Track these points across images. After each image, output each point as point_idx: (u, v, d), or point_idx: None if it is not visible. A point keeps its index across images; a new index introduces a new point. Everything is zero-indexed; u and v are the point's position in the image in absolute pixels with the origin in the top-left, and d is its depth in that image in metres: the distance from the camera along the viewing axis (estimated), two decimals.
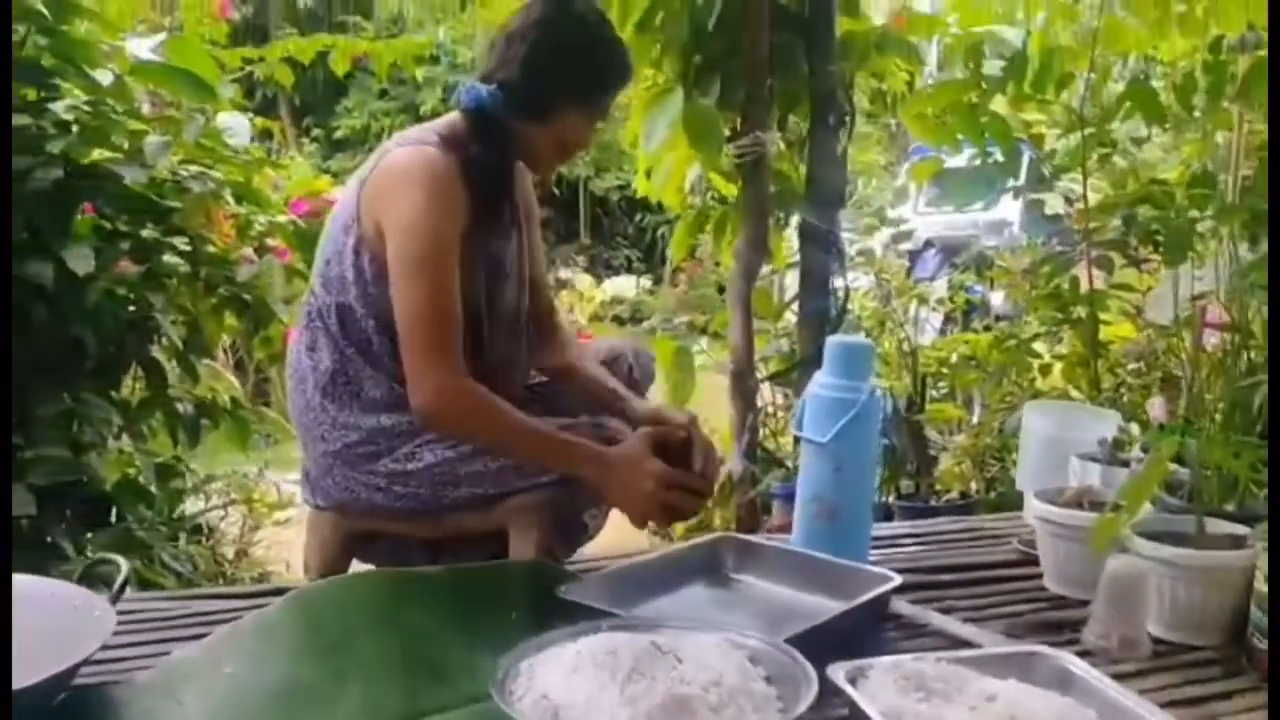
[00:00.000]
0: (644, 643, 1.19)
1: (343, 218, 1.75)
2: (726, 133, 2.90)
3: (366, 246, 1.71)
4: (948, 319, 4.42)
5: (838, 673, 1.24)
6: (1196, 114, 2.87)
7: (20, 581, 1.33)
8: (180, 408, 2.50)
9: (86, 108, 2.24)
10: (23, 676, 1.13)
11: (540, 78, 1.73)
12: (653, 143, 2.86)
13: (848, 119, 3.03)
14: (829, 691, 1.22)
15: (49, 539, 2.10)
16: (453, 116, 1.79)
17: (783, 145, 3.19)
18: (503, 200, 1.82)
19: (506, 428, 1.67)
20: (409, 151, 1.72)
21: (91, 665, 1.29)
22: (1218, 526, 1.59)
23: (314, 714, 1.23)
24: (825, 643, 1.33)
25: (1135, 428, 1.94)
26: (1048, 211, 4.10)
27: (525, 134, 1.76)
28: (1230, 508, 1.69)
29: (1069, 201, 3.73)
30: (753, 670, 1.20)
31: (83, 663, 1.21)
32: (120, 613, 1.35)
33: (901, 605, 1.62)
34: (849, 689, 1.22)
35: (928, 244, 5.85)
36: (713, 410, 2.84)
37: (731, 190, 3.11)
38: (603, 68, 1.79)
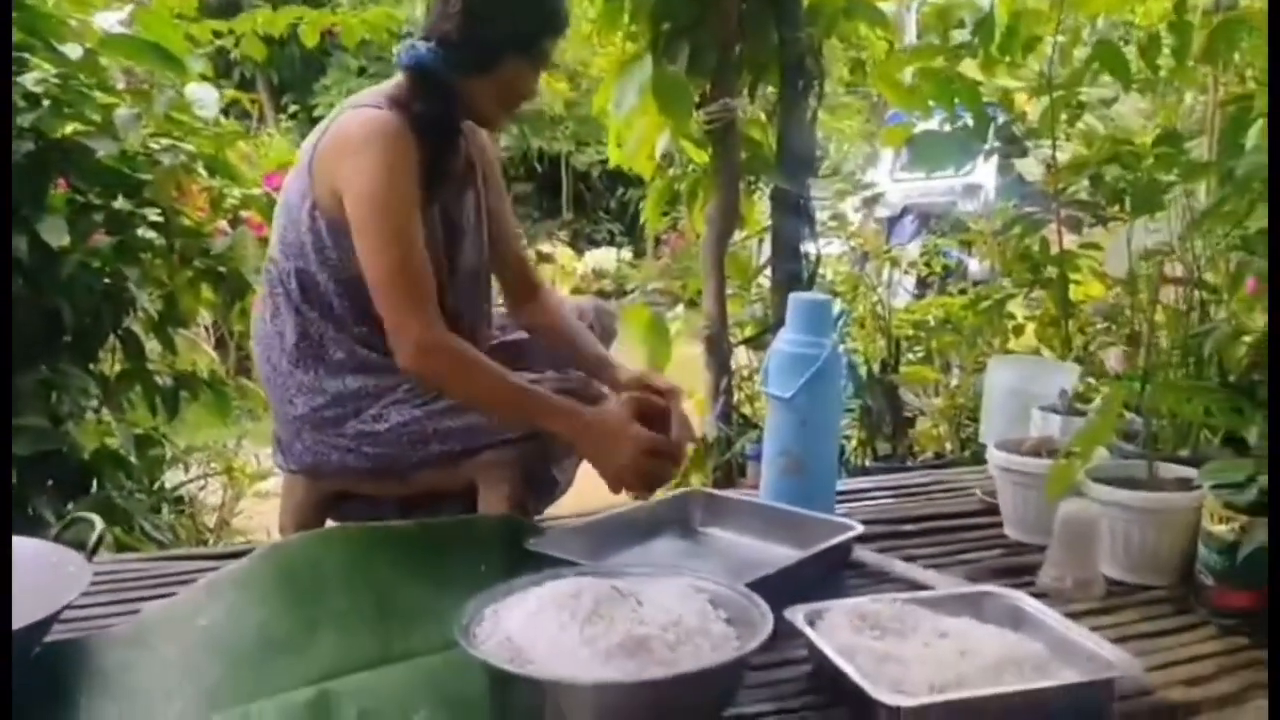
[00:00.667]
0: (605, 587, 1.21)
1: (297, 184, 1.76)
2: (696, 99, 2.92)
3: (322, 211, 1.72)
4: (924, 284, 4.43)
5: (796, 614, 1.28)
6: (1162, 74, 2.88)
7: None
8: (159, 380, 2.52)
9: (56, 81, 2.25)
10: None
11: (478, 29, 1.72)
12: (622, 110, 2.87)
13: (817, 85, 3.05)
14: (789, 633, 1.26)
15: (31, 508, 2.12)
16: (400, 77, 1.78)
17: (761, 115, 3.21)
18: (453, 157, 1.83)
19: (489, 382, 1.68)
20: (358, 114, 1.73)
21: (68, 623, 1.32)
22: (1169, 471, 1.63)
23: (287, 662, 1.25)
24: (788, 589, 1.36)
25: (1094, 379, 1.98)
26: (1025, 176, 4.11)
27: (468, 88, 1.76)
28: (1185, 453, 1.72)
29: (1047, 168, 3.75)
30: (712, 612, 1.22)
31: (58, 614, 1.23)
32: (97, 574, 1.37)
33: (865, 554, 1.65)
34: (806, 629, 1.26)
35: (905, 211, 5.86)
36: (689, 376, 2.88)
37: (703, 157, 3.13)
38: (539, 14, 1.77)
